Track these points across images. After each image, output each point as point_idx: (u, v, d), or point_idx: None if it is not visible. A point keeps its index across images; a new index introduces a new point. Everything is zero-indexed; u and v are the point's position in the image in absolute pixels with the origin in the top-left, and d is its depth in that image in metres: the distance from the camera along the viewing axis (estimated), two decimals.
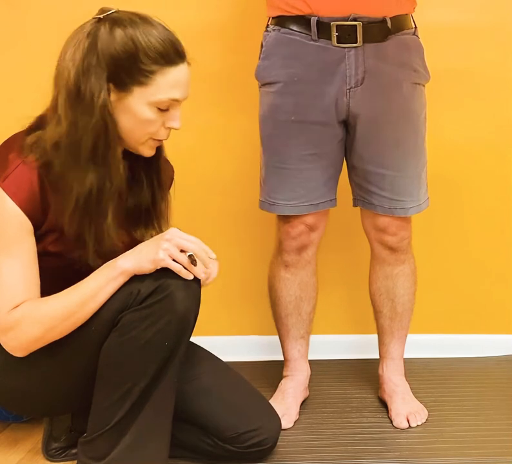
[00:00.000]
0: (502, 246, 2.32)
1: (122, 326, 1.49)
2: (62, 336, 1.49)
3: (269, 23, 1.85)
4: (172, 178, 1.71)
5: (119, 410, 1.51)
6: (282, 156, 1.84)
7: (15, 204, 1.44)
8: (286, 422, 1.89)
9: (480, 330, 2.35)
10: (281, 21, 1.80)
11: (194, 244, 1.49)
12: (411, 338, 2.07)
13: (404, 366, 2.05)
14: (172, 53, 1.46)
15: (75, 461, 1.70)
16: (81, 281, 1.49)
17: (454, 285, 2.34)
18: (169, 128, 1.52)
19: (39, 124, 1.51)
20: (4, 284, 1.47)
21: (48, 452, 1.77)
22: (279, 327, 2.03)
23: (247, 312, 2.30)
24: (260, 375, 2.15)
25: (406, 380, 2.03)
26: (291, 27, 1.78)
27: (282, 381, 2.03)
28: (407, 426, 1.90)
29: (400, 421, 1.91)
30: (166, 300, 1.46)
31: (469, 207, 2.29)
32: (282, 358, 2.06)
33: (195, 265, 1.48)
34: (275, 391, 2.01)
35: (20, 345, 1.49)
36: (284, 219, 1.92)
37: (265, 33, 1.85)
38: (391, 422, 1.93)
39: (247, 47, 1.99)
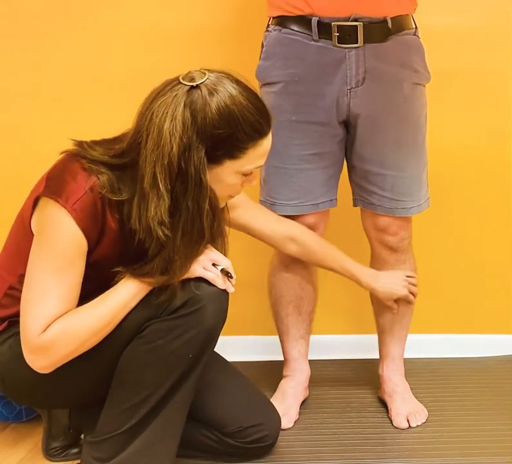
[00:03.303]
0: (502, 246, 2.32)
1: (149, 334, 1.50)
2: (91, 347, 1.48)
3: (269, 23, 1.84)
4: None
5: (134, 416, 1.52)
6: (283, 156, 1.83)
7: (79, 228, 1.43)
8: (286, 422, 1.89)
9: (480, 330, 2.35)
10: (282, 21, 1.80)
11: (226, 260, 1.53)
12: (411, 338, 2.07)
13: (404, 366, 2.05)
14: (264, 125, 1.45)
15: (76, 461, 1.71)
16: (112, 290, 1.48)
17: (454, 285, 2.34)
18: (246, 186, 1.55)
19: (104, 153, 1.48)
20: (43, 303, 1.44)
21: (48, 452, 1.77)
22: (279, 326, 2.03)
23: (247, 312, 2.30)
24: (260, 375, 2.14)
25: (406, 380, 2.03)
26: (292, 27, 1.78)
27: (282, 381, 2.03)
28: (407, 426, 1.90)
29: (400, 421, 1.91)
30: (197, 313, 1.49)
31: (470, 207, 2.29)
32: (282, 358, 2.06)
33: (230, 277, 1.53)
34: (275, 391, 2.01)
35: (50, 363, 1.47)
36: None
37: (266, 33, 1.85)
38: (391, 422, 1.93)
39: (248, 47, 1.99)
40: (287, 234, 1.86)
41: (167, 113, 1.39)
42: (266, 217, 1.85)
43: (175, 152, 1.38)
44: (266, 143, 1.48)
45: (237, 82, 1.44)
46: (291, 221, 1.89)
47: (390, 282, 1.92)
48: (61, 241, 1.44)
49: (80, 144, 1.51)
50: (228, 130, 1.40)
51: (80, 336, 1.45)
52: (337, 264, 1.91)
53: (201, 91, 1.40)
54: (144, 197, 1.41)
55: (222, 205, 1.56)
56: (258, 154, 1.47)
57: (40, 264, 1.45)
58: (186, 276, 1.50)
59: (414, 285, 1.96)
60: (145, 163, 1.40)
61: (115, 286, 1.49)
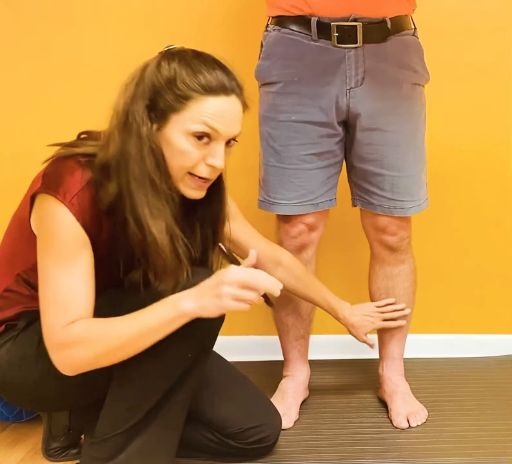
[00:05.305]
0: (502, 246, 2.32)
1: None
2: (110, 364, 1.45)
3: (269, 23, 1.85)
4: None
5: (134, 416, 1.52)
6: (282, 156, 1.84)
7: (78, 223, 1.42)
8: (286, 422, 1.89)
9: (480, 330, 2.35)
10: (281, 21, 1.80)
11: (259, 279, 1.41)
12: (411, 338, 2.07)
13: (404, 366, 2.05)
14: (215, 85, 1.41)
15: (75, 461, 1.71)
16: (139, 312, 1.42)
17: (455, 285, 2.34)
18: (211, 166, 1.45)
19: (90, 142, 1.50)
20: (60, 297, 1.42)
21: (47, 452, 1.77)
22: (279, 326, 2.04)
23: (247, 312, 2.28)
24: (260, 375, 2.15)
25: (406, 380, 2.03)
26: (291, 27, 1.78)
27: (282, 381, 2.03)
28: (407, 426, 1.90)
29: (400, 421, 1.91)
30: None
31: (469, 206, 2.30)
32: (282, 358, 2.06)
33: (270, 304, 1.45)
34: (275, 391, 2.01)
35: (70, 365, 1.44)
36: (284, 218, 1.92)
37: (265, 32, 1.85)
38: (391, 422, 1.93)
39: (247, 47, 1.99)
40: (277, 259, 1.85)
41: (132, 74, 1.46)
42: (258, 238, 1.83)
43: (122, 104, 1.43)
44: (218, 103, 1.41)
45: (204, 54, 1.46)
46: (280, 247, 1.89)
47: (362, 316, 1.94)
48: (63, 235, 1.42)
49: (66, 144, 1.50)
50: (167, 79, 1.41)
51: (103, 344, 1.41)
52: (319, 295, 1.91)
53: (161, 55, 1.45)
54: (100, 146, 1.46)
55: (192, 193, 1.48)
56: (204, 112, 1.41)
57: (48, 261, 1.44)
58: (219, 312, 1.43)
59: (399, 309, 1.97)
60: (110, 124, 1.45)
61: (148, 308, 1.42)
